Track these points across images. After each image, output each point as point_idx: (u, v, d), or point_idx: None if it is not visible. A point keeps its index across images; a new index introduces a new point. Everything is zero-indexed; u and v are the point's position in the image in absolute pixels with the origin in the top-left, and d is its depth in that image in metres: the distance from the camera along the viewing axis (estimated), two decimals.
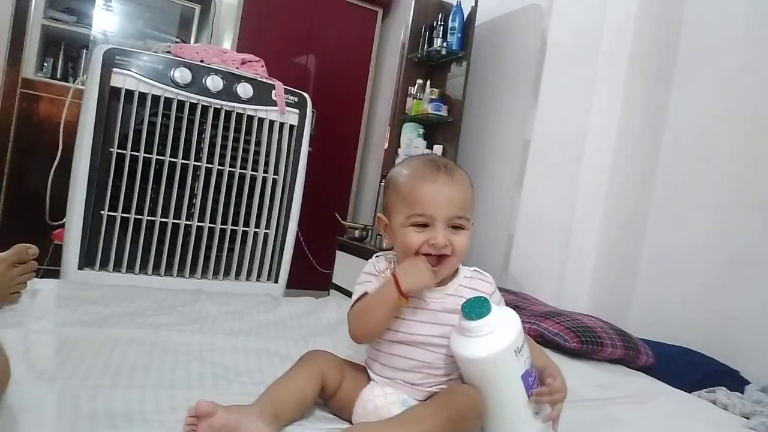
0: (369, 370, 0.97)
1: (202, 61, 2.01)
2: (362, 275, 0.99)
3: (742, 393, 1.47)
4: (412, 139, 2.97)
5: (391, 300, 0.90)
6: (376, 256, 1.01)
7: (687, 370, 1.62)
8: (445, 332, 0.92)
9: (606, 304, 2.13)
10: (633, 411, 1.23)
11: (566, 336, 1.57)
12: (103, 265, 1.87)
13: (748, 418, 1.30)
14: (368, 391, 0.93)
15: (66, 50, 3.46)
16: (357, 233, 3.09)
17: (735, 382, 1.55)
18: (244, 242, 2.07)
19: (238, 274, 2.07)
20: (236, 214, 2.05)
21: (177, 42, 2.83)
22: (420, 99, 3.01)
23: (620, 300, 2.09)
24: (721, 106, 1.89)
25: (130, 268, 1.90)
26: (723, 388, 1.49)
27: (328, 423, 0.91)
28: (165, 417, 0.82)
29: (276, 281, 2.12)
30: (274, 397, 0.86)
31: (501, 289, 1.02)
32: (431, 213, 0.91)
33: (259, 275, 2.10)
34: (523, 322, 0.91)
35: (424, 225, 0.92)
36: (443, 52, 2.91)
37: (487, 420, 0.89)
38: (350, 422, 0.92)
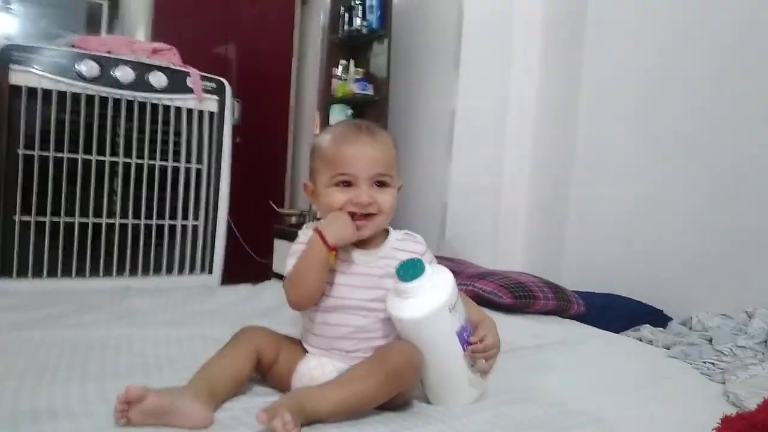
0: (304, 342, 0.97)
1: (109, 52, 1.92)
2: (293, 246, 0.97)
3: (665, 329, 1.57)
4: (341, 120, 2.96)
5: (319, 255, 0.89)
6: (306, 226, 1.01)
7: (616, 314, 1.71)
8: (380, 296, 0.92)
9: (539, 261, 2.21)
10: (564, 354, 1.29)
11: (500, 293, 1.62)
12: (21, 273, 1.76)
13: (669, 349, 1.39)
14: (304, 364, 0.93)
15: None
16: (294, 219, 3.07)
17: (659, 320, 1.66)
18: (172, 236, 2.01)
19: (169, 269, 2.01)
20: (161, 207, 1.98)
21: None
22: (345, 80, 3.00)
23: (552, 256, 2.18)
24: (632, 62, 1.98)
25: (52, 274, 1.81)
26: (647, 325, 1.58)
27: (266, 396, 0.90)
28: (93, 408, 0.80)
29: (210, 272, 2.07)
30: (208, 375, 0.85)
31: (438, 257, 1.04)
32: (353, 172, 0.91)
33: (192, 268, 2.05)
34: (459, 284, 0.93)
35: (348, 184, 0.92)
36: (364, 31, 2.90)
37: (425, 375, 0.92)
38: None
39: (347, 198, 0.91)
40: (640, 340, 1.50)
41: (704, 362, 1.23)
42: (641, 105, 1.94)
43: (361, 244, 0.95)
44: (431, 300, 0.87)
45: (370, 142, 0.93)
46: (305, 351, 0.96)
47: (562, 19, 2.25)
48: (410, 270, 0.88)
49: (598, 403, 0.98)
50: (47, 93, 1.79)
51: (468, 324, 0.93)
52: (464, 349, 0.91)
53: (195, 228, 2.05)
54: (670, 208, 1.83)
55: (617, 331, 1.56)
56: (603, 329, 1.56)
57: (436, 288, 0.88)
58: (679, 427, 0.94)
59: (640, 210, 1.92)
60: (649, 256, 1.87)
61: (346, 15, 2.99)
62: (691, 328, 1.49)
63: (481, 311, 1.04)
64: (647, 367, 1.26)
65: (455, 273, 0.96)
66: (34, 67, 1.77)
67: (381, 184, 0.93)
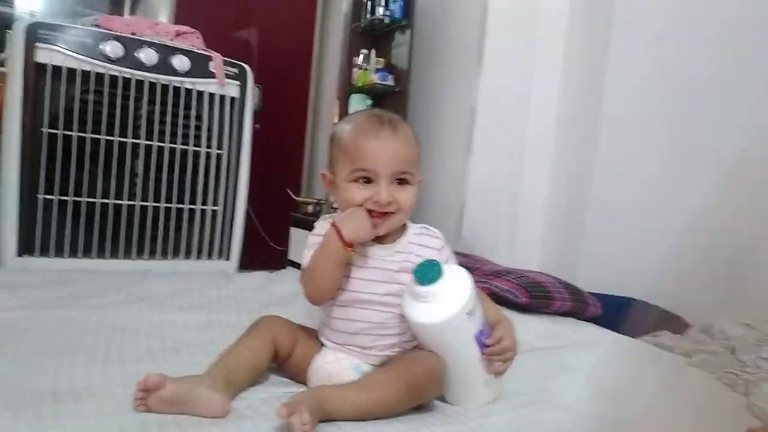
0: (320, 336, 0.96)
1: (133, 34, 1.92)
2: (310, 238, 0.97)
3: (684, 336, 1.55)
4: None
5: (335, 251, 0.88)
6: (323, 218, 1.00)
7: (633, 319, 1.69)
8: (395, 290, 0.91)
9: (556, 261, 2.19)
10: (581, 357, 1.28)
11: (517, 292, 1.61)
12: (44, 251, 1.79)
13: (690, 357, 1.37)
14: (320, 358, 0.93)
15: None
16: (310, 208, 3.07)
17: (679, 327, 1.63)
18: (191, 220, 2.02)
19: (187, 253, 2.02)
20: (181, 191, 1.99)
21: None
22: (366, 69, 2.98)
23: (569, 256, 2.16)
24: (654, 64, 1.95)
25: (73, 253, 1.83)
26: (666, 331, 1.56)
27: (283, 387, 0.90)
28: (114, 391, 0.80)
29: (227, 258, 2.08)
30: (225, 364, 0.85)
31: (454, 253, 1.02)
32: (374, 168, 0.89)
33: (209, 253, 2.06)
34: (475, 282, 0.91)
35: (368, 180, 0.90)
36: (386, 20, 2.88)
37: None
38: (305, 385, 0.92)
39: (367, 195, 0.89)
40: (659, 346, 1.48)
41: (726, 372, 1.21)
42: (666, 105, 1.91)
43: (378, 238, 0.94)
44: (449, 305, 0.85)
45: (392, 137, 0.90)
46: (321, 344, 0.95)
47: (587, 17, 2.21)
48: (428, 273, 0.86)
49: (614, 408, 0.97)
50: (71, 72, 1.79)
51: (485, 326, 0.92)
52: (482, 352, 0.90)
53: (214, 213, 2.06)
54: (693, 211, 1.80)
55: (635, 336, 1.54)
56: (620, 333, 1.54)
57: (455, 292, 0.86)
58: None
59: (662, 213, 1.90)
60: (669, 261, 1.84)
61: (369, 4, 2.97)
62: (712, 337, 1.47)
63: (499, 311, 1.03)
64: (666, 374, 1.24)
65: (471, 269, 0.94)
66: (59, 46, 1.77)
67: (401, 182, 0.91)
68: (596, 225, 2.10)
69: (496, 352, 0.91)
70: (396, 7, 2.83)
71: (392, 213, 0.91)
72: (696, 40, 1.83)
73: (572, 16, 2.26)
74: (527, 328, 1.35)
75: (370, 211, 0.90)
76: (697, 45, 1.82)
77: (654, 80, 1.95)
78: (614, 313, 1.71)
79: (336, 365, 0.91)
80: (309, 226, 2.70)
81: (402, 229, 0.97)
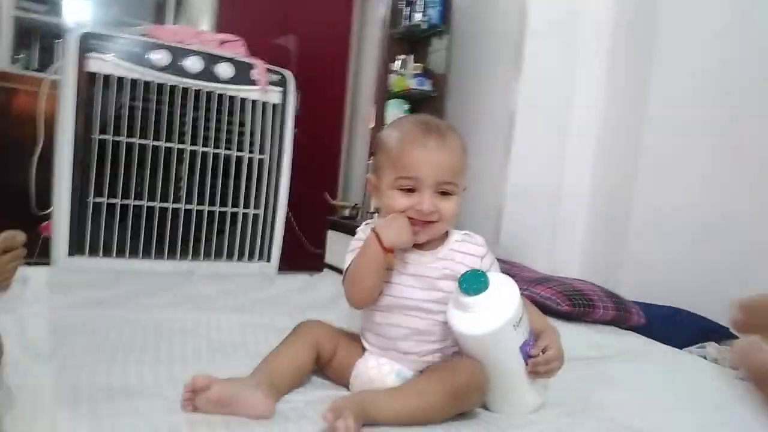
0: (363, 340, 0.97)
1: (179, 43, 1.98)
2: (352, 242, 0.98)
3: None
4: (397, 115, 2.96)
5: (375, 256, 0.88)
6: (365, 223, 1.00)
7: (678, 329, 1.65)
8: (437, 298, 0.91)
9: (598, 268, 2.15)
10: (625, 368, 1.26)
11: (558, 300, 1.59)
12: (93, 252, 1.85)
13: (738, 370, 1.33)
14: (362, 363, 0.93)
15: (40, 41, 3.38)
16: (347, 212, 3.09)
17: (725, 338, 1.58)
18: (234, 223, 2.06)
19: (230, 255, 2.06)
20: (224, 195, 2.04)
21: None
22: (403, 75, 3.00)
23: (611, 264, 2.12)
24: (703, 68, 1.90)
25: (120, 254, 1.89)
26: (713, 343, 1.52)
27: (326, 389, 0.92)
28: (164, 390, 0.83)
29: (268, 260, 2.11)
30: (270, 367, 0.87)
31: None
32: (418, 177, 0.89)
33: (251, 256, 2.10)
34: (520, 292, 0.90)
35: (411, 189, 0.90)
36: (424, 26, 2.89)
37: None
38: (347, 389, 0.93)
39: (410, 203, 0.89)
40: (705, 358, 1.44)
41: None
42: (712, 112, 1.86)
43: (419, 244, 0.94)
44: (495, 317, 0.84)
45: (438, 147, 0.90)
46: (363, 348, 0.96)
47: (631, 21, 2.17)
48: (473, 283, 0.85)
49: (658, 421, 0.96)
50: (120, 80, 1.85)
51: (531, 336, 0.91)
52: (526, 363, 0.89)
53: (255, 216, 2.10)
54: (738, 217, 1.75)
55: (679, 347, 1.50)
56: (664, 344, 1.51)
57: (501, 304, 0.85)
58: None
59: (706, 219, 1.84)
60: (714, 268, 1.79)
61: (406, 9, 2.98)
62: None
63: (544, 319, 1.01)
64: (712, 388, 1.21)
65: (511, 276, 0.93)
66: (109, 55, 1.84)
67: (445, 193, 0.91)
68: (639, 231, 2.05)
69: (540, 363, 0.90)
70: (434, 13, 2.84)
71: (434, 222, 0.91)
72: (745, 41, 1.77)
73: (615, 17, 2.22)
74: (569, 336, 1.31)
75: (411, 219, 0.90)
76: (746, 46, 1.77)
77: (700, 82, 1.90)
78: (658, 323, 1.67)
79: (378, 370, 0.92)
80: (345, 230, 2.73)
81: (444, 236, 0.97)
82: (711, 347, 1.48)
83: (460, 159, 0.93)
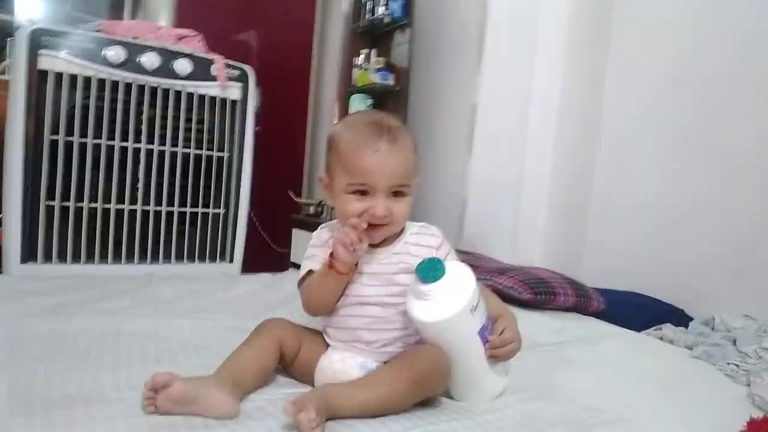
0: (325, 336, 0.97)
1: (135, 38, 1.93)
2: (308, 249, 0.98)
3: (687, 328, 1.55)
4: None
5: (334, 282, 0.91)
6: (321, 228, 1.01)
7: (636, 312, 1.70)
8: (395, 291, 0.92)
9: (559, 257, 2.20)
10: (585, 352, 1.29)
11: (520, 288, 1.62)
12: (47, 258, 1.79)
13: (691, 349, 1.38)
14: (326, 358, 0.93)
15: None
16: (312, 209, 3.08)
17: (680, 320, 1.64)
18: (194, 224, 2.03)
19: (190, 257, 2.03)
20: (184, 195, 2.00)
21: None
22: (366, 69, 2.99)
23: (572, 252, 2.17)
24: (658, 58, 1.95)
25: (76, 259, 1.84)
26: (669, 324, 1.57)
27: (291, 388, 0.91)
28: (124, 394, 0.81)
29: (231, 261, 2.09)
30: (232, 366, 0.86)
31: (456, 251, 1.03)
32: (371, 183, 0.89)
33: (212, 256, 2.07)
34: (477, 279, 0.92)
35: (364, 192, 0.90)
36: (386, 20, 2.88)
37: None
38: (312, 386, 0.93)
39: (363, 207, 0.90)
40: (662, 339, 1.49)
41: (728, 364, 1.22)
42: (666, 100, 1.91)
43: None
44: (452, 303, 0.86)
45: (390, 151, 0.89)
46: (326, 344, 0.96)
47: (587, 12, 2.22)
48: (430, 271, 0.86)
49: (620, 402, 0.98)
50: (74, 78, 1.80)
51: (489, 321, 0.93)
52: (486, 349, 0.91)
53: (216, 216, 2.07)
54: (694, 206, 1.81)
55: (638, 330, 1.55)
56: (623, 327, 1.55)
57: (457, 290, 0.87)
58: (704, 429, 0.93)
59: (663, 207, 1.90)
60: (670, 255, 1.85)
61: (369, 3, 2.97)
62: (713, 329, 1.48)
63: (502, 305, 1.03)
64: (670, 366, 1.25)
65: (474, 267, 0.94)
66: (62, 52, 1.78)
67: (398, 193, 0.91)
68: (598, 220, 2.11)
69: (497, 345, 0.92)
70: (396, 6, 2.84)
71: (387, 224, 0.92)
72: (700, 34, 1.83)
73: (573, 11, 2.26)
74: (531, 323, 1.36)
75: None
76: (701, 38, 1.82)
77: (656, 75, 1.95)
78: (618, 307, 1.72)
79: (342, 364, 0.92)
80: (310, 228, 2.70)
81: (399, 230, 0.97)
82: (667, 329, 1.53)
83: (411, 160, 0.93)
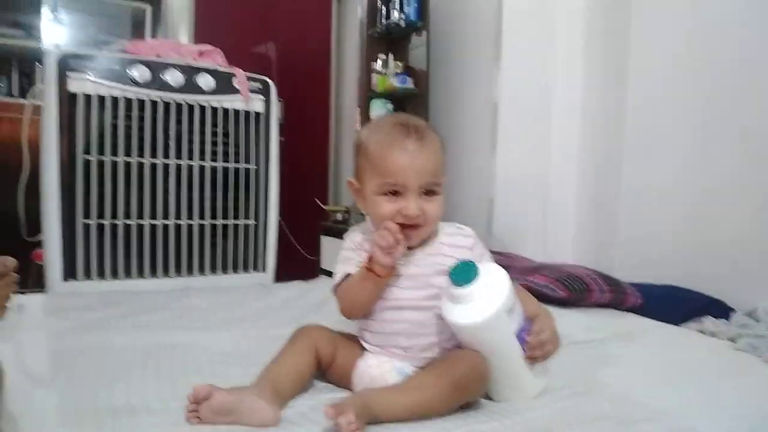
0: (361, 340, 0.97)
1: (158, 56, 1.97)
2: (341, 253, 0.98)
3: (729, 320, 1.52)
4: (382, 116, 2.97)
5: (373, 286, 0.91)
6: (352, 230, 1.01)
7: (674, 306, 1.66)
8: (431, 294, 0.92)
9: (591, 252, 2.17)
10: (624, 348, 1.27)
11: (554, 286, 1.60)
12: (87, 275, 1.84)
13: (735, 342, 1.34)
14: (363, 362, 0.94)
15: (19, 66, 3.36)
16: (339, 216, 3.09)
17: (721, 311, 1.60)
18: (226, 236, 2.06)
19: (224, 268, 2.06)
20: (214, 207, 2.04)
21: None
22: (385, 74, 3.00)
23: (604, 247, 2.14)
24: (679, 46, 1.91)
25: (114, 275, 1.88)
26: (710, 317, 1.54)
27: (329, 393, 0.92)
28: (168, 405, 0.83)
29: (264, 270, 2.11)
30: (271, 375, 0.87)
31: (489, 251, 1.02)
32: (402, 182, 0.89)
33: (246, 267, 2.10)
34: (512, 279, 0.91)
35: (396, 193, 0.90)
36: (402, 24, 2.89)
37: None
38: (350, 390, 0.93)
39: (396, 208, 0.90)
40: (703, 332, 1.45)
41: None
42: (693, 89, 1.87)
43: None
44: (487, 305, 0.85)
45: (419, 150, 0.90)
46: (362, 348, 0.96)
47: (606, 5, 2.19)
48: (463, 274, 0.86)
49: (663, 396, 0.96)
50: (102, 99, 1.85)
51: (526, 322, 0.92)
52: (524, 349, 0.90)
53: (247, 227, 2.10)
54: (728, 194, 1.76)
55: (677, 324, 1.52)
56: (661, 321, 1.52)
57: (492, 292, 0.86)
58: (752, 422, 0.91)
59: (696, 198, 1.86)
60: (706, 245, 1.81)
61: (384, 8, 2.98)
62: (757, 320, 1.44)
63: (538, 304, 1.02)
64: (713, 360, 1.22)
65: (506, 267, 0.93)
66: (89, 75, 1.83)
67: (429, 192, 0.91)
68: (629, 213, 2.07)
69: (534, 346, 0.91)
70: (411, 10, 2.84)
71: (420, 225, 0.92)
72: (723, 20, 1.79)
73: (590, 3, 2.24)
74: (568, 321, 1.33)
75: (399, 224, 0.89)
76: (724, 25, 1.78)
77: (679, 63, 1.91)
78: (655, 301, 1.68)
79: (379, 369, 0.92)
80: (339, 234, 2.73)
81: (433, 232, 0.97)
82: (707, 321, 1.50)
83: (439, 158, 0.94)
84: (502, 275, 0.90)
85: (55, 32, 3.43)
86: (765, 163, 1.66)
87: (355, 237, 0.99)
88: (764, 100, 1.66)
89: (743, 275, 1.69)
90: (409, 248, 0.94)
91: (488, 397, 0.93)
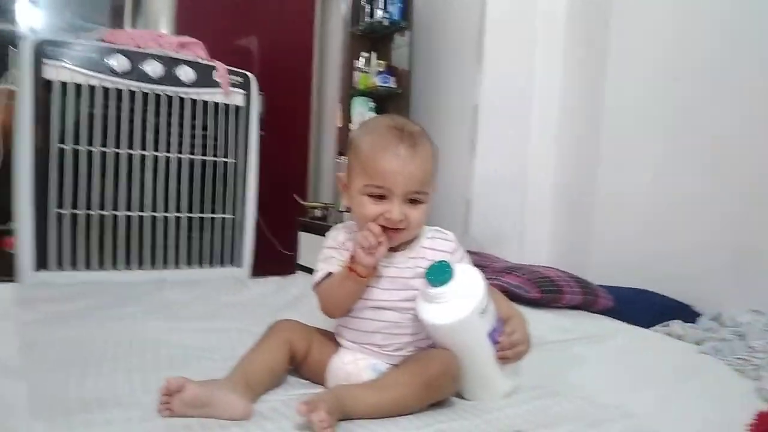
0: (337, 337, 0.98)
1: (138, 47, 1.94)
2: (323, 251, 0.99)
3: (695, 324, 1.56)
4: (363, 113, 2.97)
5: (354, 286, 0.91)
6: (335, 229, 1.01)
7: (644, 309, 1.70)
8: (410, 296, 0.93)
9: (565, 255, 2.21)
10: (593, 349, 1.29)
11: (527, 287, 1.62)
12: (59, 265, 1.81)
13: (700, 345, 1.38)
14: (338, 359, 0.94)
15: None
16: (318, 212, 3.09)
17: (688, 315, 1.65)
18: (203, 229, 2.05)
19: (200, 262, 2.05)
20: (191, 201, 2.02)
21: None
22: (367, 72, 3.00)
23: (578, 249, 2.18)
24: (655, 54, 1.96)
25: (87, 266, 1.85)
26: (677, 321, 1.58)
27: (302, 388, 0.92)
28: (139, 398, 0.83)
29: (240, 265, 2.10)
30: (244, 368, 0.87)
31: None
32: (389, 186, 0.89)
33: (222, 261, 2.08)
34: (485, 280, 0.92)
35: (381, 196, 0.91)
36: (385, 23, 2.89)
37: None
38: (324, 386, 0.94)
39: (379, 211, 0.90)
40: (670, 335, 1.49)
41: (737, 358, 1.22)
42: (668, 95, 1.92)
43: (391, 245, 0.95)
44: (461, 306, 0.87)
45: (410, 157, 0.89)
46: (338, 344, 0.97)
47: (586, 10, 2.23)
48: (439, 275, 0.87)
49: (629, 398, 0.99)
50: (78, 87, 1.82)
51: (499, 323, 0.93)
52: (496, 350, 0.92)
53: (224, 221, 2.09)
54: (699, 201, 1.81)
55: (646, 326, 1.55)
56: (631, 324, 1.55)
57: (467, 293, 0.88)
58: (712, 423, 0.94)
59: (668, 203, 1.91)
60: (677, 251, 1.86)
61: (367, 7, 2.98)
62: (722, 324, 1.48)
63: (512, 306, 1.03)
64: (678, 362, 1.26)
65: (481, 267, 0.95)
66: (66, 62, 1.80)
67: (414, 200, 0.92)
68: (604, 217, 2.11)
69: (506, 347, 0.92)
70: (394, 9, 2.85)
71: (402, 229, 0.92)
72: (696, 29, 1.84)
73: (570, 8, 2.28)
74: (539, 322, 1.35)
75: (381, 226, 0.90)
76: (697, 34, 1.83)
77: (655, 70, 1.96)
78: (625, 304, 1.72)
79: (354, 366, 0.93)
80: (317, 231, 2.73)
81: (416, 235, 0.98)
82: (675, 325, 1.53)
83: (430, 166, 0.93)
84: (477, 276, 0.91)
85: (30, 16, 3.35)
86: (733, 171, 1.71)
87: (338, 236, 0.99)
88: (734, 111, 1.71)
89: (710, 282, 1.74)
90: (391, 250, 0.94)
91: (459, 396, 0.94)
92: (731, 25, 1.73)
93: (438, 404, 0.89)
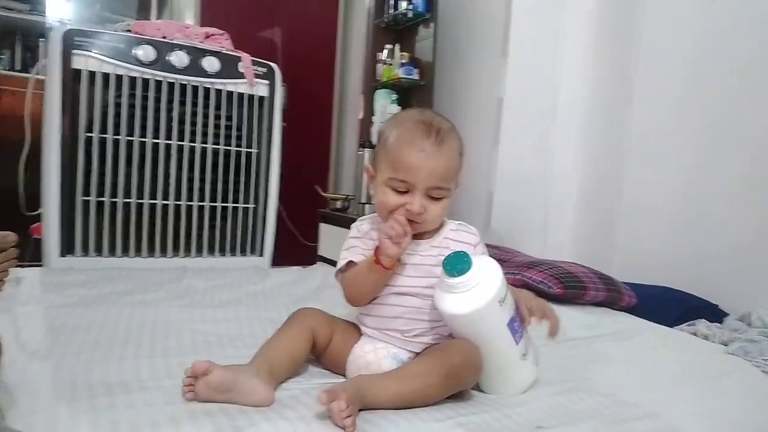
0: (360, 324, 0.98)
1: (164, 38, 1.96)
2: (347, 240, 1.00)
3: (722, 324, 1.53)
4: (386, 105, 2.96)
5: (379, 276, 0.92)
6: (360, 220, 1.03)
7: (668, 307, 1.67)
8: (433, 283, 0.93)
9: (589, 251, 2.17)
10: (618, 346, 1.27)
11: (550, 283, 1.61)
12: (85, 251, 1.85)
13: (727, 345, 1.35)
14: (359, 347, 0.95)
15: (23, 40, 3.35)
16: (339, 204, 3.09)
17: (714, 315, 1.61)
18: (225, 218, 2.07)
19: (222, 250, 2.07)
20: (214, 190, 2.04)
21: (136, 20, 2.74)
22: (390, 64, 2.99)
23: (602, 246, 2.14)
24: (688, 47, 1.91)
25: (112, 252, 1.89)
26: (703, 320, 1.54)
27: (322, 378, 0.93)
28: (162, 383, 0.84)
29: (261, 255, 2.12)
30: (267, 355, 0.88)
31: (485, 245, 1.03)
32: (411, 180, 0.90)
33: (243, 250, 2.10)
34: (506, 273, 0.92)
35: (404, 189, 0.92)
36: (409, 14, 2.88)
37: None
38: (344, 376, 0.94)
39: (400, 203, 0.91)
40: (695, 334, 1.46)
41: (765, 360, 1.19)
42: (701, 90, 1.87)
43: (416, 234, 0.95)
44: (479, 295, 0.86)
45: (435, 153, 0.90)
46: (359, 333, 0.97)
47: (616, 5, 2.18)
48: (457, 264, 0.87)
49: (652, 396, 0.97)
50: (106, 77, 1.85)
51: (517, 313, 0.93)
52: (516, 341, 0.91)
53: (246, 210, 2.11)
54: (728, 199, 1.77)
55: (670, 325, 1.53)
56: (655, 322, 1.53)
57: (485, 282, 0.87)
58: (739, 424, 0.92)
59: (696, 201, 1.86)
60: (704, 249, 1.81)
61: None
62: (750, 324, 1.45)
63: (515, 290, 1.03)
64: (704, 362, 1.23)
65: (502, 261, 0.95)
66: (94, 52, 1.83)
67: (435, 195, 0.92)
68: (629, 214, 2.07)
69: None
70: (419, 1, 2.83)
71: (420, 222, 0.93)
72: (732, 22, 1.78)
73: (600, 1, 2.23)
74: (562, 318, 1.34)
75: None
76: (733, 27, 1.77)
77: (688, 65, 1.91)
78: (649, 302, 1.69)
79: (374, 355, 0.93)
80: (338, 222, 2.73)
81: (439, 225, 0.98)
82: (700, 324, 1.50)
83: (454, 163, 0.94)
84: (494, 267, 0.91)
85: (59, 7, 3.41)
86: (763, 170, 1.66)
87: (362, 226, 1.01)
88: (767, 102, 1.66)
89: (738, 281, 1.70)
90: (416, 237, 0.95)
91: (478, 389, 0.93)
92: (763, 14, 1.67)
93: (458, 397, 0.88)
